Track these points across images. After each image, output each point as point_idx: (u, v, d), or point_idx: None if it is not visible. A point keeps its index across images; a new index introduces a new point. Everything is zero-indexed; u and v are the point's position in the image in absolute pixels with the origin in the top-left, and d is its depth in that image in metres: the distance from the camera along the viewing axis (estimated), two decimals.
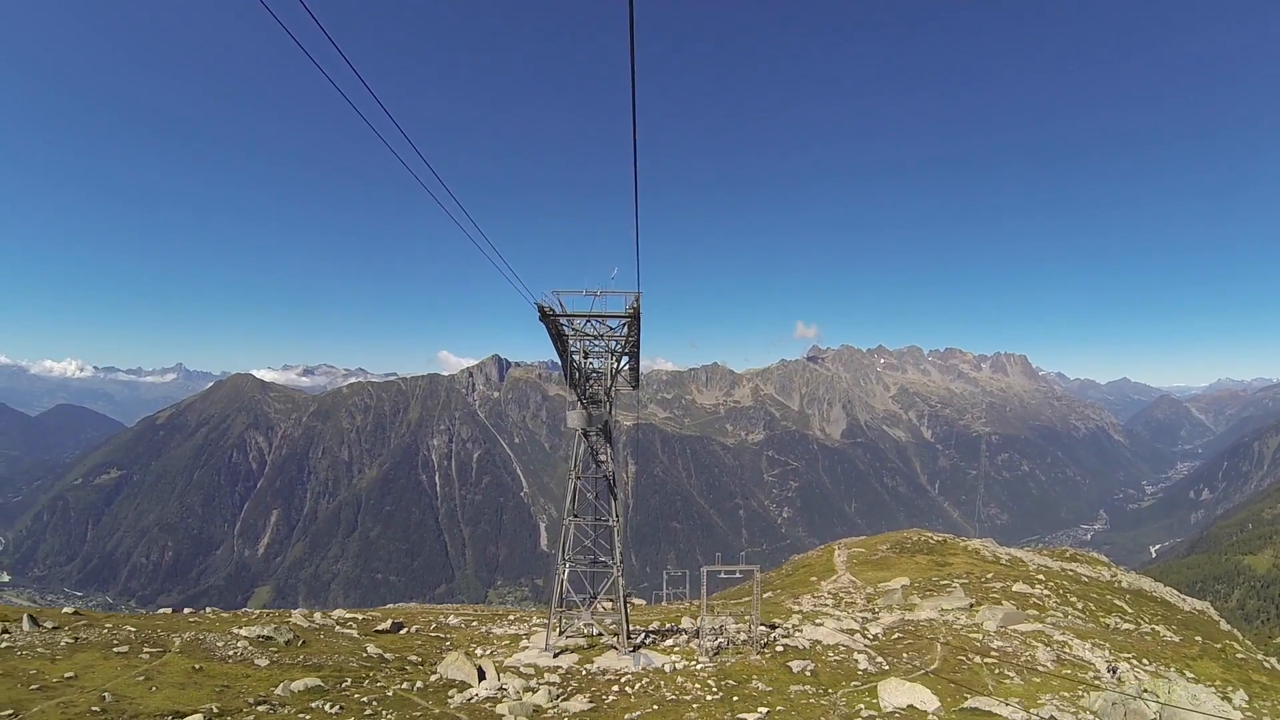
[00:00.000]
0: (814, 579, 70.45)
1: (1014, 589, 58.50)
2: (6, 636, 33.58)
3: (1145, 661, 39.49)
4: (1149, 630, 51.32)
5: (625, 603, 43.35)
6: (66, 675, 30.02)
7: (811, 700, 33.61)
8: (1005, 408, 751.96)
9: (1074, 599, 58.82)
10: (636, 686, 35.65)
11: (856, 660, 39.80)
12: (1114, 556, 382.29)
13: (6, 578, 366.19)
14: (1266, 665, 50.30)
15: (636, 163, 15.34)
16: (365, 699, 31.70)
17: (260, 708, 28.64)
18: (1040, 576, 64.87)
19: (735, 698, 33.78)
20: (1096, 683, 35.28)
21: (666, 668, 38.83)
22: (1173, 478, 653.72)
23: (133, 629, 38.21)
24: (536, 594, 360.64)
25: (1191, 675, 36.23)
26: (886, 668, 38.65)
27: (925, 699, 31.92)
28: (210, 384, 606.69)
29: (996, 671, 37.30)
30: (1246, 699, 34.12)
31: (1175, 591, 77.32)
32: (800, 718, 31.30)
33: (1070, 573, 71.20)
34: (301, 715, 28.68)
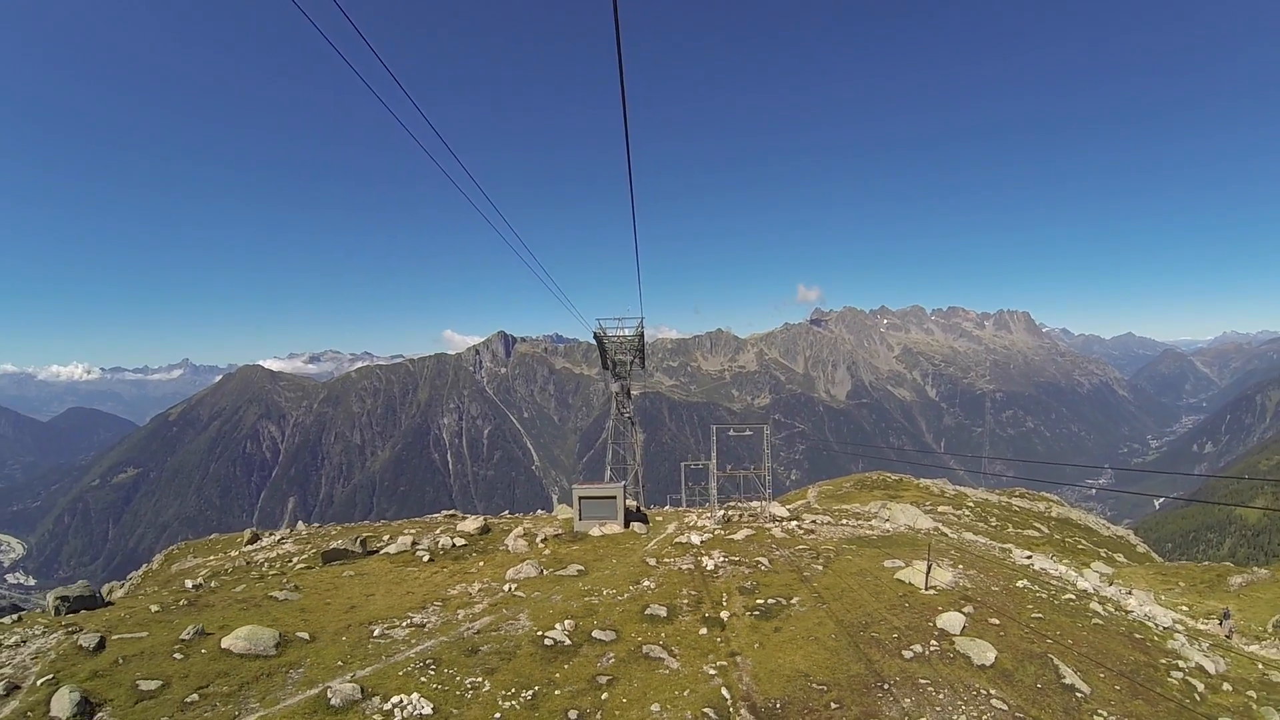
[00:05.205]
0: None
1: (939, 509, 67.26)
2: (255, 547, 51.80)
3: (989, 539, 51.59)
4: (1023, 534, 64.56)
5: (641, 485, 71.17)
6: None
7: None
8: (1009, 365, 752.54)
9: (992, 519, 69.56)
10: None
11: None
12: (1118, 510, 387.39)
13: (32, 581, 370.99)
14: (1111, 557, 64.03)
15: (636, 229, 17.46)
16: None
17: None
18: (971, 504, 75.64)
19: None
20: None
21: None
22: (1177, 431, 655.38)
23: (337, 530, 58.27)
24: None
25: (1025, 551, 44.39)
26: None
27: (790, 514, 51.73)
28: (218, 377, 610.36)
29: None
30: (1029, 554, 42.75)
31: (1103, 521, 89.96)
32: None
33: (1005, 504, 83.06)
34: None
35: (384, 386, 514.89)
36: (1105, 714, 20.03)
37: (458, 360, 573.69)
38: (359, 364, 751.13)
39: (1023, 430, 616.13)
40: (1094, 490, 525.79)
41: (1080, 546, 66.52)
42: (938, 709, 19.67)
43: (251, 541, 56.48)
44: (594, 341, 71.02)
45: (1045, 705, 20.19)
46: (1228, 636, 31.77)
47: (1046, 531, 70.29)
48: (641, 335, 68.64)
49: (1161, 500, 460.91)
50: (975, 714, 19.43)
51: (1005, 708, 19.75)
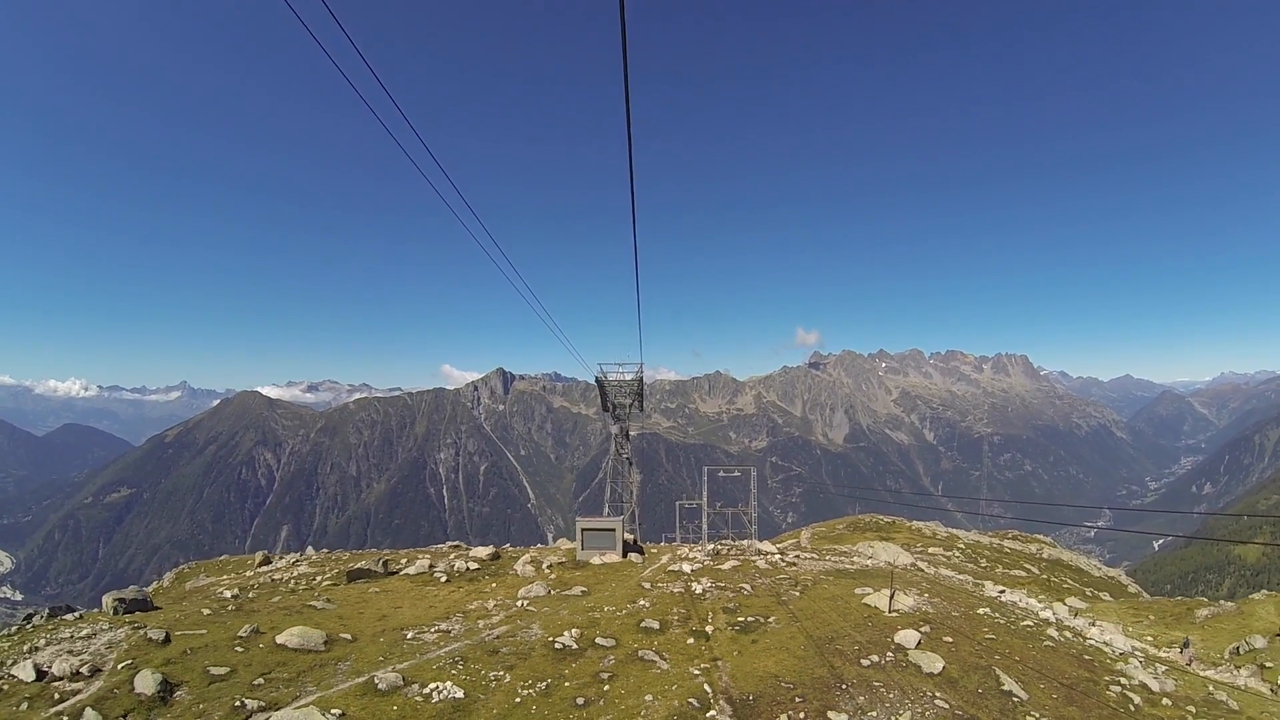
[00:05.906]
0: None
1: (929, 550, 69.30)
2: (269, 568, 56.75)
3: (973, 578, 53.78)
4: (1010, 574, 65.56)
5: (638, 522, 75.70)
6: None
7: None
8: (1007, 408, 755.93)
9: (982, 560, 71.14)
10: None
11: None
12: (1117, 552, 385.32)
13: (19, 596, 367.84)
14: (1096, 596, 64.55)
15: (639, 279, 21.45)
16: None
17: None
18: (963, 545, 76.96)
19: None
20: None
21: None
22: (1176, 473, 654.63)
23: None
24: None
25: (1005, 588, 46.93)
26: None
27: (776, 550, 55.96)
28: (215, 402, 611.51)
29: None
30: (1001, 588, 45.85)
31: (1096, 564, 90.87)
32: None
33: (996, 546, 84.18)
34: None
35: (381, 419, 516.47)
36: (1038, 715, 23.35)
37: (456, 395, 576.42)
38: (357, 395, 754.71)
39: (1021, 473, 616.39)
40: (1093, 532, 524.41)
41: (1066, 586, 68.32)
42: (887, 705, 23.10)
43: (264, 563, 59.90)
44: (593, 381, 74.96)
45: (983, 707, 23.57)
46: (1188, 664, 34.64)
47: (1036, 572, 71.51)
48: (641, 380, 72.75)
49: (1161, 542, 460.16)
50: (919, 710, 22.84)
51: (946, 706, 23.16)
